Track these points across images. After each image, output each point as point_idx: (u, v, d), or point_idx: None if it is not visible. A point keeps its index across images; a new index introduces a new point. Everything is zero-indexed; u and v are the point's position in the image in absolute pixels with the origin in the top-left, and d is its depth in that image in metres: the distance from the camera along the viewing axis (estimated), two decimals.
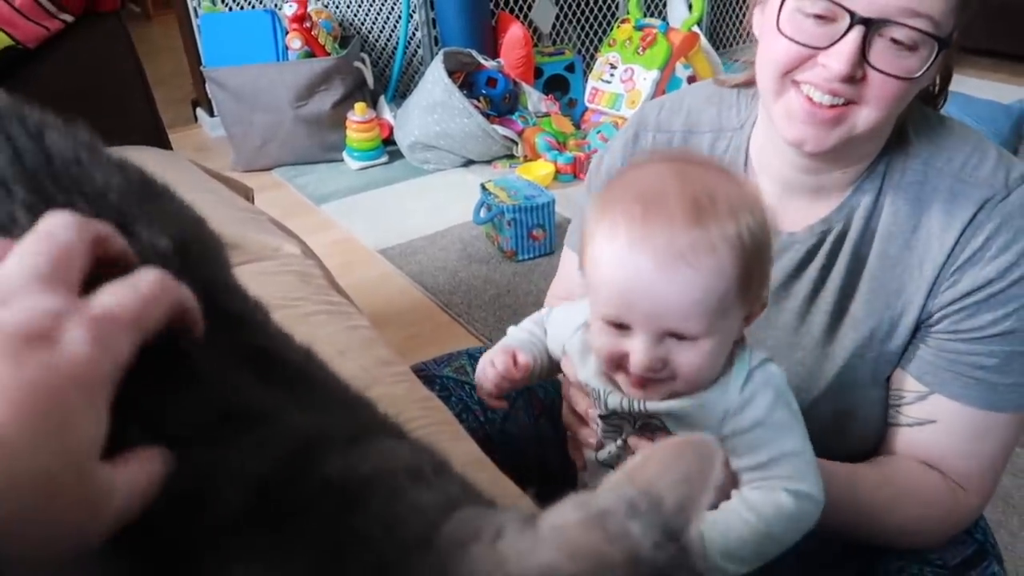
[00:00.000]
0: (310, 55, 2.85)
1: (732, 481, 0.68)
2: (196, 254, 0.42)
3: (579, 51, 3.43)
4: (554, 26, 3.41)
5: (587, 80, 3.11)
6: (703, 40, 3.05)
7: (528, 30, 3.13)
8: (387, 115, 3.06)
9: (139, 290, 0.34)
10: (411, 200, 2.74)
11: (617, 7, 3.46)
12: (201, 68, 2.98)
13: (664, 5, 3.48)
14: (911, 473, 0.80)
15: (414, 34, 3.18)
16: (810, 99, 0.71)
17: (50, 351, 0.29)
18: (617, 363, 0.66)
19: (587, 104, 3.08)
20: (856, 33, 0.67)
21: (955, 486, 0.79)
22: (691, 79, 2.99)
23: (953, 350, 0.76)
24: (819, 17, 0.68)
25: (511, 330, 0.83)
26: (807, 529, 0.66)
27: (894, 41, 0.67)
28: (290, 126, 2.89)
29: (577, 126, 3.06)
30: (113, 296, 0.33)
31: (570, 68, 3.26)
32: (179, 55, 3.37)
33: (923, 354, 0.78)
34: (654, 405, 0.67)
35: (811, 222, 0.81)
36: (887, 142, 0.78)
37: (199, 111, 3.44)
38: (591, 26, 3.48)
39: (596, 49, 3.37)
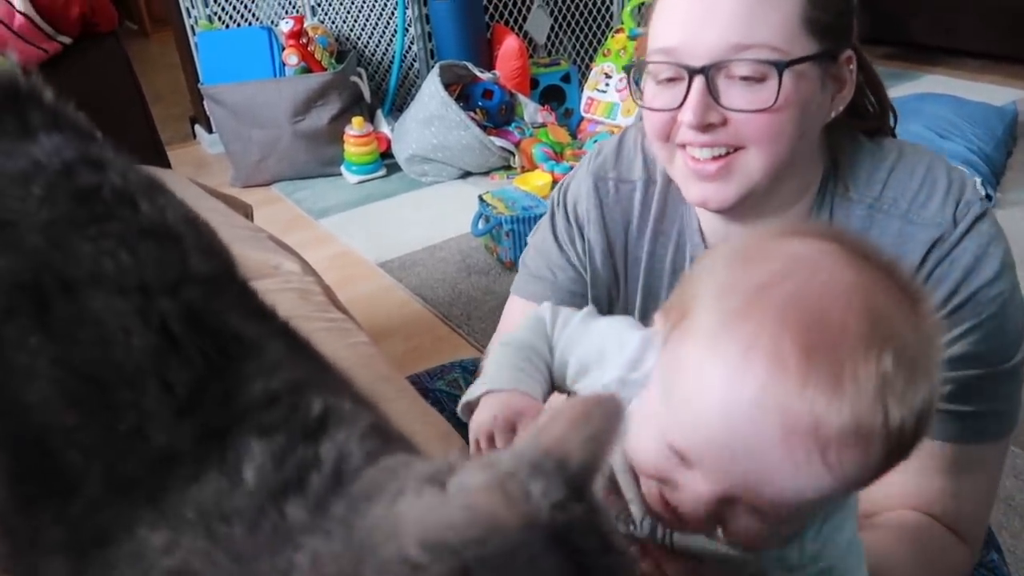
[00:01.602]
0: (307, 71, 2.87)
1: None
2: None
3: (574, 61, 3.44)
4: (549, 37, 3.43)
5: (583, 90, 3.12)
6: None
7: (523, 41, 3.15)
8: (384, 129, 3.08)
9: None
10: (410, 213, 2.75)
11: (611, 17, 3.48)
12: (199, 85, 2.99)
13: None
14: (909, 531, 0.75)
15: (410, 48, 3.20)
16: (693, 158, 0.72)
17: None
18: (655, 479, 0.51)
19: (583, 114, 3.09)
20: (698, 83, 0.68)
21: (948, 531, 0.75)
22: None
23: None
24: (668, 81, 0.71)
25: (502, 349, 0.67)
26: None
27: (740, 79, 0.68)
28: (288, 141, 2.91)
29: (574, 136, 3.07)
30: None
31: (566, 78, 3.28)
32: (177, 72, 3.39)
33: None
34: (685, 541, 0.55)
35: None
36: (824, 187, 0.77)
37: (197, 128, 3.46)
38: (586, 36, 3.50)
39: (591, 59, 3.39)
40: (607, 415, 0.37)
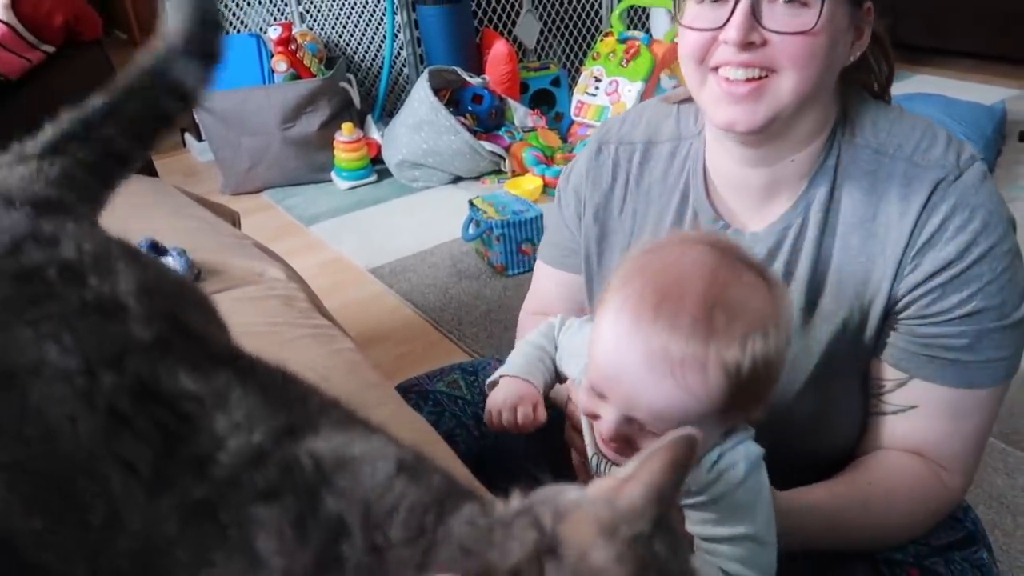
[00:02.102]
0: (296, 77, 2.87)
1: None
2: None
3: (564, 65, 3.45)
4: (538, 41, 3.43)
5: (573, 94, 3.12)
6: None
7: (512, 46, 3.15)
8: (374, 134, 3.07)
9: None
10: (400, 218, 2.74)
11: (601, 21, 3.48)
12: None
13: (647, 17, 3.51)
14: (896, 470, 0.81)
15: (399, 53, 3.20)
16: (727, 79, 0.74)
17: None
18: (593, 420, 0.70)
19: (573, 118, 3.09)
20: (744, 2, 0.71)
21: (939, 468, 0.80)
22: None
23: (924, 334, 0.77)
24: (712, 2, 0.73)
25: (522, 345, 0.88)
26: None
27: (786, 2, 0.71)
28: (278, 148, 2.90)
29: (564, 140, 3.07)
30: None
31: (555, 82, 3.28)
32: None
33: (896, 341, 0.79)
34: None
35: (770, 221, 0.83)
36: (833, 133, 0.80)
37: (187, 136, 3.45)
38: (575, 40, 3.51)
39: (581, 63, 3.39)
40: (684, 448, 0.40)
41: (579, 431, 0.78)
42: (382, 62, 3.20)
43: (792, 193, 0.81)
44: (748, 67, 0.73)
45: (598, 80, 3.01)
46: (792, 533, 0.72)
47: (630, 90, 2.92)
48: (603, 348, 0.65)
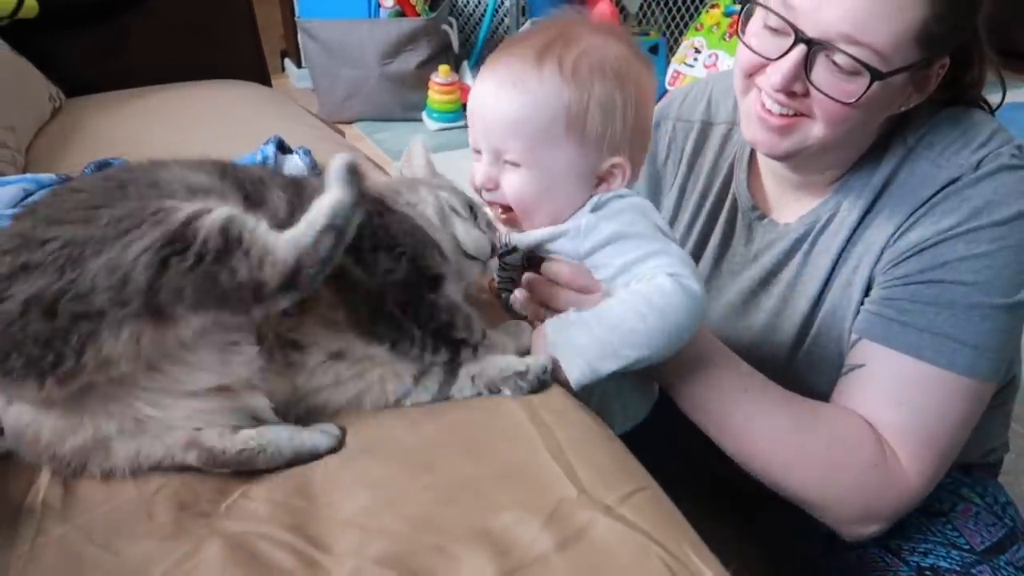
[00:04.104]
0: (400, 15, 2.92)
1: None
2: None
3: (664, 33, 3.42)
4: (641, 6, 3.41)
5: (669, 63, 3.11)
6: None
7: (616, 8, 3.14)
8: (469, 80, 3.12)
9: None
10: None
11: None
12: (295, 18, 3.07)
13: None
14: (838, 409, 0.76)
15: (503, 2, 3.22)
16: (763, 104, 0.76)
17: None
18: (478, 191, 0.75)
19: (667, 87, 3.08)
20: (798, 51, 0.71)
21: (887, 449, 0.74)
22: None
23: (880, 297, 0.78)
24: (774, 31, 0.73)
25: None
26: (696, 314, 0.67)
27: (835, 64, 0.70)
28: (375, 82, 2.97)
29: None
30: None
31: (654, 49, 3.26)
32: (270, 6, 3.47)
33: (860, 308, 0.80)
34: (517, 238, 0.76)
35: (801, 213, 0.86)
36: (875, 145, 0.80)
37: (287, 62, 3.55)
38: (678, 9, 3.47)
39: (681, 33, 3.36)
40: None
41: None
42: (485, 8, 3.23)
43: (824, 192, 0.84)
44: (783, 105, 0.74)
45: (698, 51, 2.99)
46: (711, 369, 0.73)
47: (729, 65, 2.89)
48: (469, 101, 0.74)
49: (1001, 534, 0.84)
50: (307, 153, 1.18)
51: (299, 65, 3.40)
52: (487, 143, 0.71)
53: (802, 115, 0.74)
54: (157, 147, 1.31)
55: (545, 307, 0.75)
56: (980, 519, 0.85)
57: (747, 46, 0.76)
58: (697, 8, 3.41)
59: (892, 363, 0.75)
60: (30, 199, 1.02)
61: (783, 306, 0.87)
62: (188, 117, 1.49)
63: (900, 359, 0.75)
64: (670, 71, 3.07)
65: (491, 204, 0.74)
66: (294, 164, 1.17)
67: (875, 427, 0.74)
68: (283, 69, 3.60)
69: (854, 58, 0.69)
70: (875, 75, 0.69)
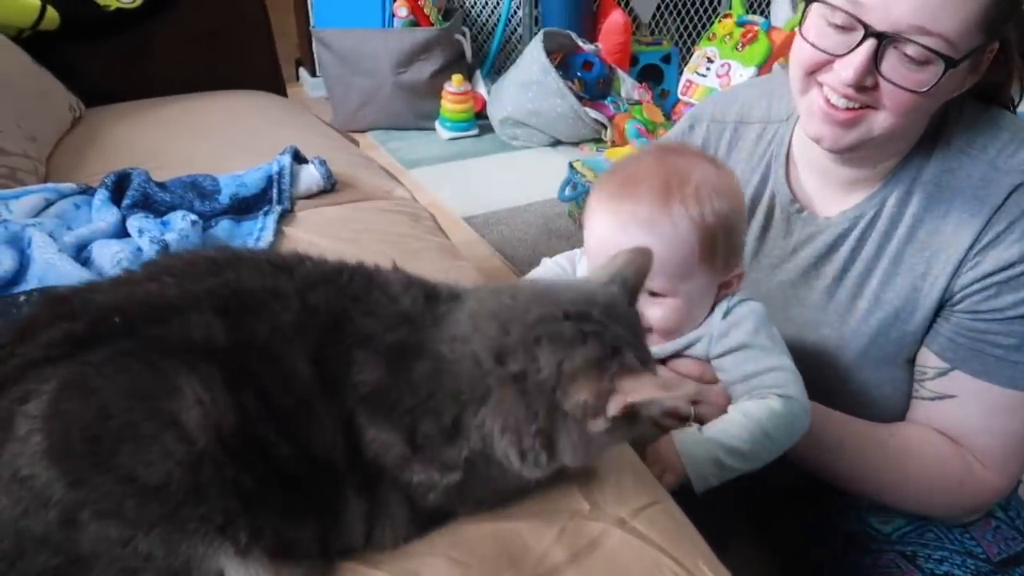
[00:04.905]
0: (414, 24, 2.94)
1: (725, 399, 0.79)
2: None
3: (676, 43, 3.43)
4: (654, 16, 3.42)
5: (682, 72, 3.11)
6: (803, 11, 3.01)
7: (628, 17, 3.15)
8: (481, 89, 3.13)
9: None
10: (498, 173, 2.81)
11: (719, 2, 3.44)
12: (310, 28, 3.10)
13: (768, 3, 3.45)
14: (919, 438, 0.83)
15: (515, 12, 3.24)
16: (828, 100, 0.76)
17: None
18: None
19: (680, 96, 3.08)
20: (868, 45, 0.71)
21: (972, 459, 0.81)
22: None
23: (974, 329, 0.79)
24: (839, 27, 0.73)
25: (545, 260, 0.95)
26: (798, 430, 0.76)
27: (906, 55, 0.71)
28: (388, 91, 2.99)
29: (667, 117, 3.07)
30: None
31: (666, 59, 3.27)
32: (284, 15, 3.50)
33: (945, 332, 0.81)
34: (654, 351, 0.78)
35: (845, 208, 0.86)
36: (923, 135, 0.81)
37: (301, 71, 3.58)
38: (690, 19, 3.47)
39: (693, 42, 3.37)
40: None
41: None
42: (498, 18, 3.25)
43: (871, 186, 0.84)
44: (851, 99, 0.75)
45: (710, 61, 2.99)
46: (809, 432, 0.78)
47: (742, 75, 2.89)
48: (590, 240, 0.79)
49: (1020, 548, 0.85)
50: (322, 163, 1.19)
51: (313, 74, 3.43)
52: None
53: (867, 107, 0.75)
54: (174, 156, 1.34)
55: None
56: (1000, 532, 0.86)
57: (811, 44, 0.76)
58: (710, 18, 3.41)
59: (988, 395, 0.79)
60: (50, 208, 1.04)
61: (827, 300, 0.88)
62: (204, 126, 1.51)
63: (996, 391, 0.79)
64: (682, 81, 3.07)
65: None
66: (309, 173, 1.19)
67: (963, 447, 0.81)
68: (297, 78, 3.63)
69: (928, 48, 0.69)
70: (949, 63, 0.70)
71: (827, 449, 0.82)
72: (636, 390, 0.51)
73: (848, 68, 0.72)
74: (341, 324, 0.54)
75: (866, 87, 0.73)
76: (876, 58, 0.71)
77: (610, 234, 0.75)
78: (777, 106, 0.94)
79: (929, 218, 0.80)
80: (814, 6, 0.75)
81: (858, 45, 0.71)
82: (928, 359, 0.82)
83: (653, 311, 0.77)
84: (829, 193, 0.88)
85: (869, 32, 0.71)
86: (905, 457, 0.82)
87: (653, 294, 0.76)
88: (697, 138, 0.98)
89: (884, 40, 0.70)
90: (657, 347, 0.79)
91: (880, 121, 0.75)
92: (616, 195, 0.76)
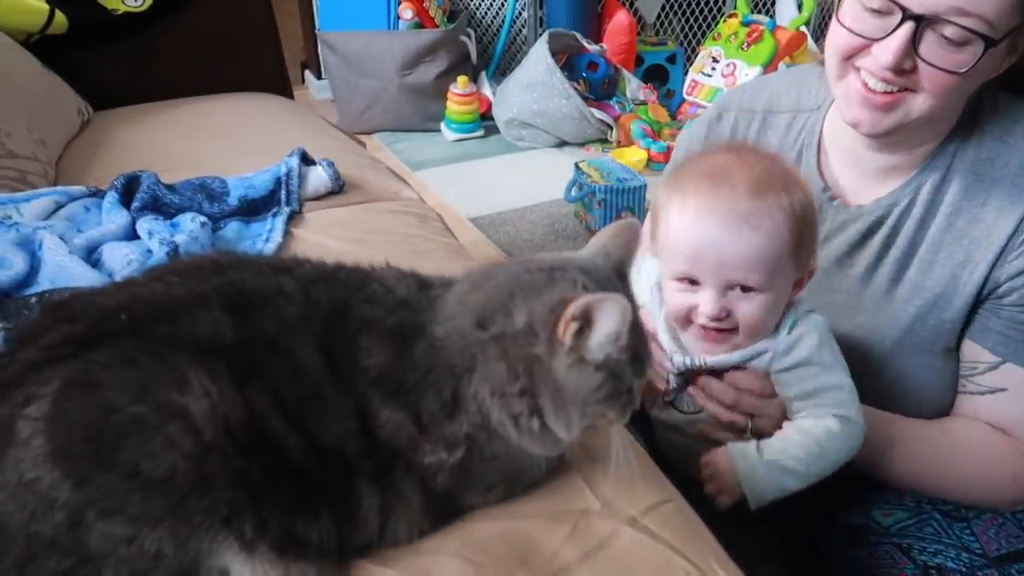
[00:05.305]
0: (419, 26, 2.94)
1: (781, 411, 0.79)
2: None
3: (681, 43, 3.42)
4: (659, 16, 3.41)
5: (687, 72, 3.11)
6: (810, 41, 3.01)
7: (633, 18, 3.15)
8: (487, 90, 3.13)
9: None
10: (503, 174, 2.81)
11: (724, 2, 3.43)
12: (316, 31, 3.10)
13: (773, 3, 3.44)
14: (971, 432, 0.83)
15: (520, 13, 3.24)
16: (866, 84, 0.76)
17: None
18: (686, 318, 0.78)
19: (685, 96, 3.08)
20: (907, 28, 0.71)
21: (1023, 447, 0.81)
22: None
23: None
24: (875, 11, 0.73)
25: None
26: (854, 450, 0.77)
27: (944, 37, 0.70)
28: (394, 93, 2.99)
29: (673, 117, 3.07)
30: None
31: (671, 59, 3.26)
32: (290, 18, 3.51)
33: (994, 326, 0.80)
34: (714, 359, 0.79)
35: (878, 196, 0.85)
36: (958, 122, 0.81)
37: (307, 73, 3.59)
38: (695, 19, 3.47)
39: (699, 42, 3.36)
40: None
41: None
42: (503, 20, 3.25)
43: (905, 174, 0.84)
44: (889, 83, 0.75)
45: (716, 61, 2.99)
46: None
47: (747, 74, 2.89)
48: (682, 238, 0.75)
49: (1022, 546, 0.84)
50: (330, 165, 1.19)
51: (319, 77, 3.43)
52: (717, 278, 0.75)
53: (906, 90, 0.74)
54: (181, 158, 1.34)
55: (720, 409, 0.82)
56: (1004, 528, 0.85)
57: (848, 29, 0.76)
58: (715, 17, 3.41)
59: None
60: (60, 211, 1.05)
61: (862, 288, 0.88)
62: (211, 129, 1.51)
63: None
64: (687, 80, 3.07)
65: (704, 328, 0.78)
66: (317, 175, 1.19)
67: (1015, 438, 0.81)
68: (303, 80, 3.63)
69: (968, 29, 0.69)
70: (989, 42, 0.70)
71: (878, 450, 0.83)
72: (582, 303, 0.52)
73: (887, 52, 0.72)
74: (343, 314, 0.55)
75: (904, 70, 0.73)
76: (914, 40, 0.71)
77: (706, 230, 0.74)
78: (807, 95, 0.93)
79: (968, 206, 0.80)
80: None
81: (896, 28, 0.71)
82: (979, 354, 0.82)
83: (745, 307, 0.76)
84: (862, 181, 0.87)
85: (907, 15, 0.70)
86: (959, 454, 0.83)
87: (745, 289, 0.75)
88: (725, 127, 0.98)
89: (922, 22, 0.70)
90: (723, 356, 0.79)
91: (919, 104, 0.75)
92: (707, 191, 0.74)
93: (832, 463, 0.77)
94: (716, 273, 0.74)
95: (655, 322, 0.84)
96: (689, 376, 0.82)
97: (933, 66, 0.71)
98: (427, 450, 0.55)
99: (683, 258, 0.76)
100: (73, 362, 0.49)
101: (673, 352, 0.82)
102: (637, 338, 0.57)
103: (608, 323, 0.53)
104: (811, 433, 0.76)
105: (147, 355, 0.49)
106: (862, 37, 0.74)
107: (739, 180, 0.74)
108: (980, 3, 0.68)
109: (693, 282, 0.76)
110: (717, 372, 0.81)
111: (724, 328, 0.76)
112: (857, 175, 0.88)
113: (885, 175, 0.85)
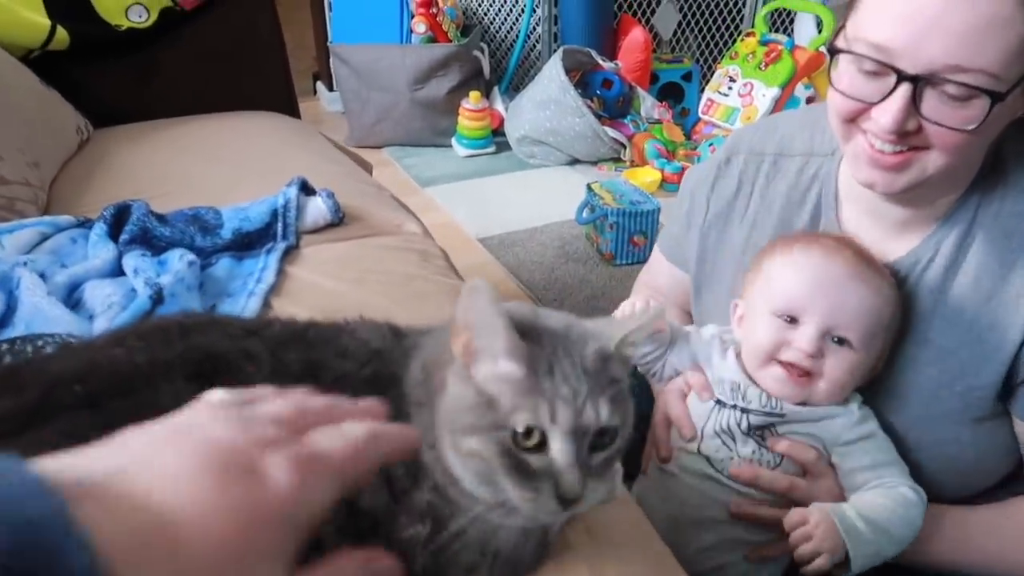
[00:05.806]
0: (432, 40, 2.91)
1: (839, 486, 0.79)
2: None
3: (698, 61, 3.37)
4: (675, 33, 3.36)
5: (703, 91, 3.05)
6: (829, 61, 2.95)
7: (649, 35, 3.10)
8: (499, 106, 3.09)
9: (348, 439, 0.33)
10: (514, 192, 2.76)
11: (742, 20, 3.38)
12: (328, 43, 3.07)
13: (792, 22, 3.38)
14: None
15: (534, 28, 3.20)
16: (873, 146, 0.71)
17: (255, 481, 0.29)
18: (770, 354, 0.79)
19: (701, 115, 3.02)
20: (903, 90, 0.66)
21: None
22: (810, 100, 2.89)
23: None
24: (871, 73, 0.68)
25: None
26: (918, 527, 0.76)
27: (947, 94, 0.65)
28: (405, 107, 2.96)
29: (688, 136, 3.01)
30: (327, 439, 0.32)
31: (687, 77, 3.21)
32: (302, 29, 3.49)
33: None
34: (790, 407, 0.79)
35: (900, 254, 0.81)
36: (981, 172, 0.76)
37: (319, 85, 3.56)
38: (712, 37, 3.42)
39: (715, 60, 3.31)
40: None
41: (665, 420, 0.87)
42: (517, 35, 3.21)
43: (926, 227, 0.79)
44: (896, 144, 0.70)
45: (732, 80, 2.93)
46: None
47: (764, 95, 2.83)
48: (798, 273, 0.78)
49: None
50: (330, 196, 1.15)
51: (331, 88, 3.40)
52: (822, 319, 0.77)
53: (916, 149, 0.70)
54: (179, 182, 1.30)
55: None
56: None
57: (842, 93, 0.71)
58: (732, 36, 3.36)
59: None
60: (46, 243, 1.01)
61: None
62: (212, 150, 1.47)
63: None
64: (703, 99, 3.02)
65: (792, 364, 0.78)
66: (316, 206, 1.15)
67: None
68: (315, 92, 3.61)
69: (968, 85, 0.64)
70: (995, 97, 0.65)
71: (935, 546, 0.80)
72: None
73: (886, 115, 0.67)
74: (315, 373, 0.53)
75: (909, 131, 0.68)
76: (915, 100, 0.66)
77: (830, 270, 0.77)
78: (820, 139, 0.88)
79: (995, 266, 0.75)
80: (842, 54, 0.70)
81: (892, 91, 0.67)
82: (990, 403, 0.78)
83: (832, 359, 0.77)
84: (880, 236, 0.82)
85: (902, 77, 0.66)
86: (1020, 535, 0.80)
87: (841, 342, 0.77)
88: (733, 171, 0.93)
89: (919, 82, 0.65)
90: (793, 407, 0.79)
91: (933, 160, 0.70)
92: (820, 253, 0.78)
93: (915, 530, 0.76)
94: (824, 314, 0.76)
95: (716, 368, 0.83)
96: (747, 429, 0.81)
97: (939, 125, 0.66)
98: (403, 522, 0.51)
99: (792, 294, 0.78)
100: (18, 440, 0.45)
101: (747, 387, 0.81)
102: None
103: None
104: (894, 499, 0.76)
105: (100, 433, 0.45)
106: (859, 101, 0.70)
107: (851, 250, 0.78)
108: (978, 58, 0.63)
109: (792, 320, 0.77)
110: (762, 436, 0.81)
111: (808, 371, 0.77)
112: (877, 229, 0.83)
113: (904, 228, 0.81)
